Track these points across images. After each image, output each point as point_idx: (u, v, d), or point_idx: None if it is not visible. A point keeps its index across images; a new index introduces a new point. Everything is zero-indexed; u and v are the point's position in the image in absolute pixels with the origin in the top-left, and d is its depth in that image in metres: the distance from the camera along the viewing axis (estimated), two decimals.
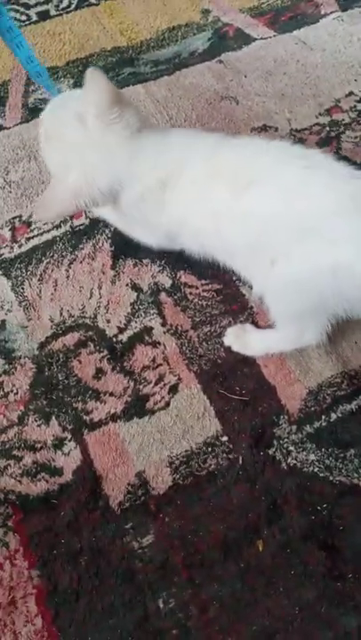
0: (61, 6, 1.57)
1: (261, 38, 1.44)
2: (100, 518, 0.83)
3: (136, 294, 1.04)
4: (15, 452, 0.89)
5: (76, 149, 0.85)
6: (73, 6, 1.56)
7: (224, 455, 0.87)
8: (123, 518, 0.83)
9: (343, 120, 1.27)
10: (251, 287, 0.97)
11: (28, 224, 1.13)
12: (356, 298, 0.80)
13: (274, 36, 1.44)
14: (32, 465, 0.88)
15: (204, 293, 1.04)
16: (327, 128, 1.25)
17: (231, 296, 1.03)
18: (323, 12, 1.49)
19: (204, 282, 1.05)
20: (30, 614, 0.77)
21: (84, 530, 0.82)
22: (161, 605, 0.77)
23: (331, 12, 1.49)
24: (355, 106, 1.29)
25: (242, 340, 0.96)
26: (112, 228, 1.11)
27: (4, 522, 0.84)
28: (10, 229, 1.13)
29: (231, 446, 0.88)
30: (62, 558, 0.81)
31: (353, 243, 0.76)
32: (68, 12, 1.55)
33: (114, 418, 0.91)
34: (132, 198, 0.88)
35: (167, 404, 0.92)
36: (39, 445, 0.90)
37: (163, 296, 1.04)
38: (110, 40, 1.46)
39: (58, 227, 1.12)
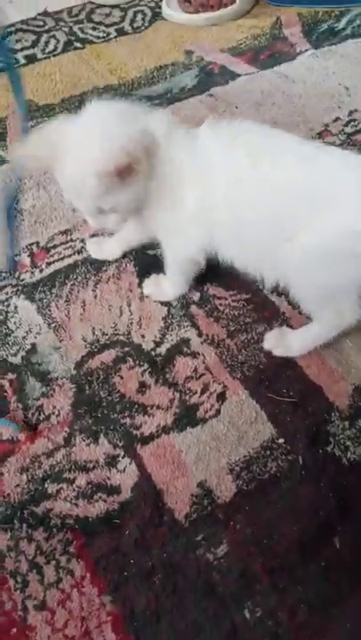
0: (47, 50, 1.62)
1: (246, 74, 1.52)
2: (168, 533, 0.79)
3: (166, 309, 1.04)
4: (66, 475, 0.84)
5: None
6: (59, 50, 1.62)
7: (283, 457, 0.86)
8: (192, 530, 0.79)
9: (335, 142, 1.34)
10: (280, 294, 0.99)
11: (47, 249, 1.12)
12: None
13: (257, 71, 1.53)
14: (87, 486, 0.83)
15: (234, 303, 1.04)
16: None
17: (261, 304, 1.04)
18: (298, 50, 1.61)
19: (231, 292, 1.06)
20: None
21: (154, 547, 0.78)
22: (248, 616, 0.73)
23: (305, 50, 1.60)
24: (343, 129, 1.38)
25: (282, 342, 0.97)
26: (134, 252, 1.11)
27: (65, 549, 0.78)
28: (28, 255, 1.11)
29: (289, 448, 0.87)
30: (134, 579, 0.76)
31: None
32: (55, 55, 1.60)
33: (166, 430, 0.89)
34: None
35: (218, 412, 0.91)
36: (91, 465, 0.85)
37: (193, 308, 1.04)
38: (101, 79, 1.51)
39: (79, 252, 1.12)
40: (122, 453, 0.86)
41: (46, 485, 0.83)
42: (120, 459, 0.86)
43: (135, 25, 1.72)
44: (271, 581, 0.75)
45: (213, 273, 1.08)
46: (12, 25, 1.72)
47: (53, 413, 0.91)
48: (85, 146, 0.80)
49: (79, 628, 0.73)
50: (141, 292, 1.06)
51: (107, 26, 1.72)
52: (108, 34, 1.68)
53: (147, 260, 1.10)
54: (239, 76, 1.52)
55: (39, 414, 0.90)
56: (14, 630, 0.73)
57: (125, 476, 0.84)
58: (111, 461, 0.86)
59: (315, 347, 0.96)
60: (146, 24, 1.72)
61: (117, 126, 0.82)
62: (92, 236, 1.14)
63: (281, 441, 0.88)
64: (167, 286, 1.03)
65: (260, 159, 0.82)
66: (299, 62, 1.57)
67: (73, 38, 1.66)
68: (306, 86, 1.49)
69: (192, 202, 0.87)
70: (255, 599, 0.74)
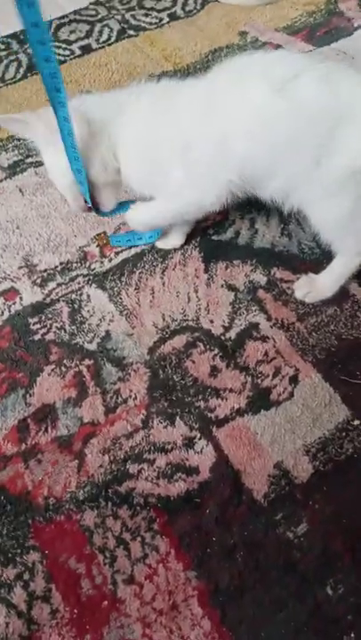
0: (102, 39, 1.63)
1: (302, 52, 1.50)
2: (247, 512, 0.82)
3: (233, 294, 1.05)
4: (146, 456, 0.88)
5: None
6: (113, 39, 1.63)
7: (359, 439, 0.87)
8: (271, 510, 0.81)
9: None
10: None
11: None
12: None
13: (314, 48, 1.51)
14: (166, 466, 0.86)
15: None
16: None
17: None
18: (355, 25, 1.57)
19: (299, 276, 1.06)
20: (196, 617, 0.75)
21: (234, 525, 0.81)
22: (330, 592, 0.75)
23: None
24: None
25: (312, 287, 1.01)
26: (198, 238, 1.13)
27: (150, 526, 0.82)
28: (97, 246, 1.14)
29: None
30: (217, 556, 0.79)
31: None
32: (109, 45, 1.61)
33: (240, 412, 0.91)
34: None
35: (291, 395, 0.92)
36: (169, 446, 0.88)
37: (261, 293, 1.05)
38: (157, 66, 1.52)
39: None
40: (198, 435, 0.89)
41: (128, 466, 0.87)
42: (197, 440, 0.88)
43: (187, 9, 1.71)
44: (353, 559, 0.77)
45: (280, 256, 1.09)
46: (66, 16, 1.74)
47: (130, 397, 0.94)
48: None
49: (167, 602, 0.76)
50: (208, 278, 1.07)
51: (158, 11, 1.72)
52: (161, 19, 1.68)
53: (211, 245, 1.12)
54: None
55: (117, 398, 0.94)
56: (105, 603, 0.77)
57: (203, 457, 0.87)
58: (188, 443, 0.88)
59: (345, 280, 1.00)
60: (198, 7, 1.71)
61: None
62: None
63: (356, 422, 0.88)
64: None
65: (279, 85, 0.82)
66: (357, 37, 1.53)
67: (126, 26, 1.67)
68: None
69: (207, 150, 0.87)
70: (337, 576, 0.76)
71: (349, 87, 0.82)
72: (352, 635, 0.72)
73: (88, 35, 1.66)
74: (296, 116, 0.82)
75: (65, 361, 0.99)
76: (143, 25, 1.68)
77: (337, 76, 0.83)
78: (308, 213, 0.92)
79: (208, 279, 1.08)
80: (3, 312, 1.06)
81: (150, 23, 1.68)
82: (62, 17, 1.74)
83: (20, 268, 1.12)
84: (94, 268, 1.11)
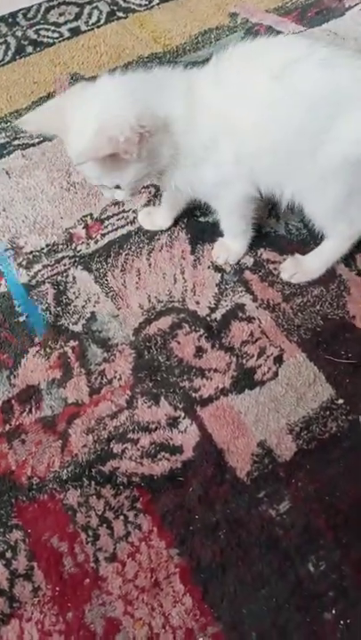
0: (91, 22, 1.62)
1: (293, 33, 1.48)
2: (230, 490, 0.81)
3: (220, 275, 1.04)
4: (130, 435, 0.87)
5: None
6: (102, 21, 1.61)
7: (343, 417, 0.86)
8: (254, 488, 0.81)
9: None
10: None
11: (101, 221, 1.14)
12: None
13: (305, 30, 1.49)
14: (150, 446, 0.86)
15: None
16: None
17: None
18: (347, 5, 1.55)
19: (285, 256, 1.05)
20: (177, 594, 0.75)
21: (217, 503, 0.81)
22: (312, 569, 0.75)
23: (355, 5, 1.54)
24: None
25: (299, 268, 1.00)
26: (185, 219, 1.12)
27: (133, 504, 0.82)
28: (83, 227, 1.14)
29: (348, 408, 0.87)
30: (200, 534, 0.79)
31: None
32: (98, 27, 1.60)
33: (224, 392, 0.90)
34: None
35: (275, 375, 0.91)
36: (153, 426, 0.88)
37: (247, 274, 1.04)
38: (146, 47, 1.51)
39: (132, 222, 1.13)
40: (182, 415, 0.89)
41: (111, 445, 0.87)
42: (181, 420, 0.88)
43: None
44: (335, 536, 0.77)
45: (266, 237, 1.08)
46: None
47: (115, 377, 0.94)
48: (79, 130, 0.81)
49: (149, 579, 0.76)
50: (194, 260, 1.07)
51: None
52: (151, 1, 1.67)
53: (198, 227, 1.11)
54: (286, 35, 1.48)
55: (102, 378, 0.93)
56: (87, 581, 0.77)
57: (187, 436, 0.87)
58: (172, 422, 0.88)
59: (332, 263, 1.00)
60: None
61: (118, 109, 0.80)
62: (144, 206, 1.15)
63: (341, 401, 0.88)
64: (234, 244, 1.04)
65: (278, 72, 0.80)
66: (348, 17, 1.51)
67: (115, 8, 1.65)
68: (357, 43, 1.44)
69: (230, 148, 0.86)
70: (319, 553, 0.76)
71: (350, 73, 0.80)
72: (333, 611, 0.72)
73: (77, 17, 1.64)
74: (295, 103, 0.81)
75: (50, 342, 0.98)
76: (133, 7, 1.66)
77: (338, 61, 0.82)
78: (302, 202, 0.92)
79: (195, 260, 1.07)
80: None
81: (140, 5, 1.66)
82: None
83: (6, 250, 1.12)
84: (80, 250, 1.10)
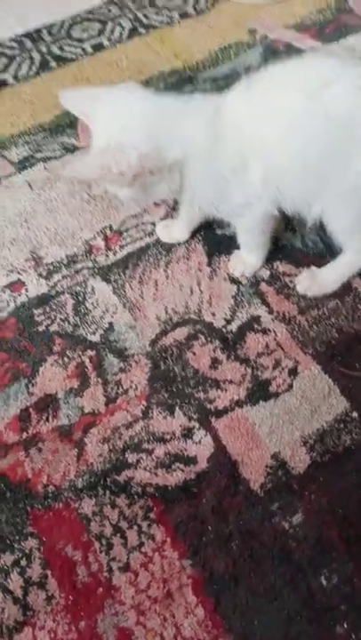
0: (113, 38, 1.65)
1: (311, 49, 1.50)
2: (243, 502, 0.82)
3: (236, 287, 1.05)
4: (145, 445, 0.88)
5: None
6: (125, 37, 1.64)
7: (357, 430, 0.87)
8: (268, 500, 0.82)
9: None
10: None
11: (120, 233, 1.16)
12: None
13: (323, 45, 1.50)
14: (165, 456, 0.87)
15: None
16: None
17: None
18: None
19: (301, 270, 1.06)
20: (190, 605, 0.75)
21: (230, 514, 0.81)
22: (324, 582, 0.75)
23: None
24: None
25: (314, 281, 1.01)
26: (202, 232, 1.13)
27: (146, 514, 0.82)
28: (103, 239, 1.16)
29: None
30: (213, 545, 0.79)
31: None
32: (120, 43, 1.63)
33: (239, 403, 0.91)
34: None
35: (290, 387, 0.92)
36: (168, 437, 0.89)
37: (263, 286, 1.05)
38: (167, 63, 1.53)
39: (150, 234, 1.15)
40: (197, 426, 0.89)
41: (127, 455, 0.88)
42: (195, 431, 0.89)
43: (198, 7, 1.72)
44: (348, 549, 0.77)
45: (283, 250, 1.09)
46: (79, 15, 1.76)
47: (131, 387, 0.95)
48: (102, 142, 0.84)
49: (161, 590, 0.77)
50: (211, 272, 1.08)
51: (170, 10, 1.73)
52: (172, 17, 1.69)
53: (215, 239, 1.12)
54: (304, 52, 1.49)
55: (118, 388, 0.95)
56: (100, 590, 0.77)
57: (201, 448, 0.87)
58: (187, 433, 0.89)
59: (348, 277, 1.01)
60: (208, 5, 1.72)
61: (129, 139, 0.82)
62: (163, 218, 1.17)
63: (355, 415, 0.88)
64: (251, 257, 1.05)
65: (311, 94, 0.81)
66: None
67: (138, 24, 1.68)
68: None
69: (257, 169, 0.87)
70: (331, 566, 0.76)
71: None
72: (345, 624, 0.72)
73: (100, 33, 1.67)
74: (328, 125, 0.82)
75: (68, 352, 1.00)
76: (154, 23, 1.69)
77: None
78: (327, 219, 0.92)
79: (211, 272, 1.08)
80: (9, 303, 1.07)
81: (161, 21, 1.69)
82: (75, 16, 1.76)
83: (27, 260, 1.14)
84: (99, 261, 1.12)
